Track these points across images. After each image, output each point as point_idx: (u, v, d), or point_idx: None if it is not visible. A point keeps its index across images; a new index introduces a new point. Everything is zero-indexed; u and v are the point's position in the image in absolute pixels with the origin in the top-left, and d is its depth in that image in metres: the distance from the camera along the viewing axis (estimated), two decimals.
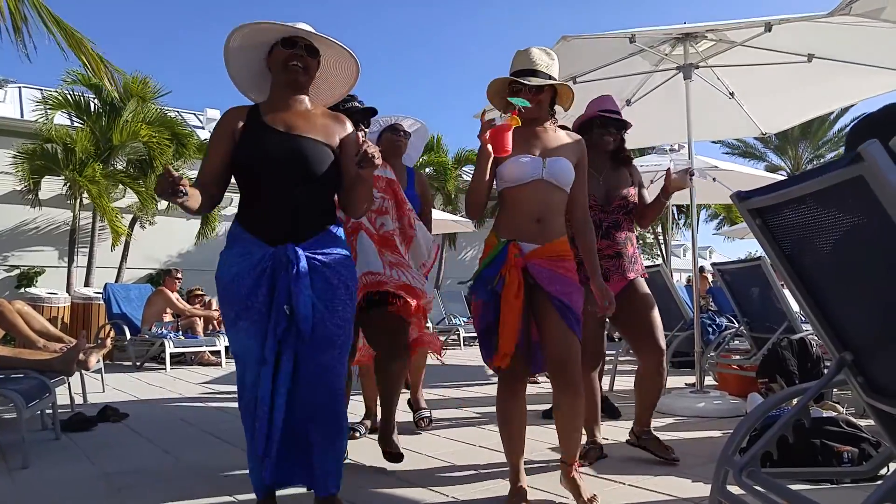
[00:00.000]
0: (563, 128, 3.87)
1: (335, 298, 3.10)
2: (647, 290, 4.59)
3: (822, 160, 30.70)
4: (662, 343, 4.46)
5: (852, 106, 18.03)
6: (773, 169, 30.93)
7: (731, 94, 7.69)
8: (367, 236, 4.38)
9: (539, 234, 3.47)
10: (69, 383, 6.02)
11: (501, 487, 3.75)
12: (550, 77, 3.58)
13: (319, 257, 3.08)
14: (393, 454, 4.27)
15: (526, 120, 3.43)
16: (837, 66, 6.84)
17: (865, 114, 2.50)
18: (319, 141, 3.17)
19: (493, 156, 3.37)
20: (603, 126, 4.63)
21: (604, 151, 4.63)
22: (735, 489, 2.12)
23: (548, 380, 3.66)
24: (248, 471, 3.31)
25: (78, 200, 14.35)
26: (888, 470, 2.77)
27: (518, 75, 3.56)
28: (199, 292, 12.54)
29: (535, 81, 3.51)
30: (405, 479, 4.04)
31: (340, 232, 3.28)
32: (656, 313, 4.54)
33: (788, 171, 30.78)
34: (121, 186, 15.09)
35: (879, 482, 1.66)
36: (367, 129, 4.57)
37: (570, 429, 3.51)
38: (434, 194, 19.31)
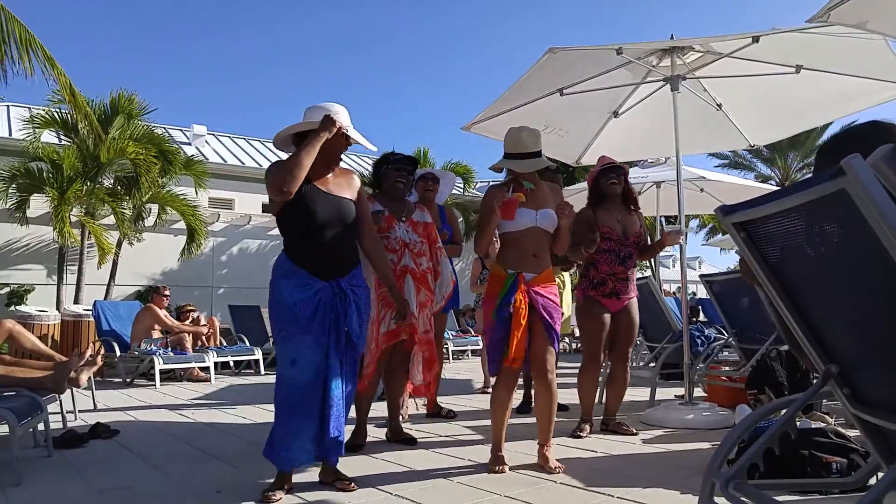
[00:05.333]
0: (550, 175, 5.62)
1: (360, 322, 4.22)
2: (636, 310, 5.95)
3: (811, 169, 30.59)
4: (628, 356, 5.98)
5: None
6: (763, 179, 30.89)
7: (719, 105, 7.72)
8: (411, 279, 5.41)
9: (536, 265, 4.66)
10: (60, 400, 6.02)
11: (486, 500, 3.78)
12: (537, 152, 4.67)
13: (354, 290, 4.18)
14: (407, 439, 5.51)
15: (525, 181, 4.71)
16: (826, 77, 6.85)
17: (836, 133, 2.57)
18: (349, 199, 4.26)
19: (499, 218, 4.53)
20: (604, 176, 5.88)
21: (615, 196, 5.89)
22: (723, 501, 2.13)
23: None
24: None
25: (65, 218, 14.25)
26: (876, 480, 2.78)
27: (511, 156, 4.68)
28: (191, 308, 12.50)
29: (524, 168, 4.65)
30: (389, 492, 4.06)
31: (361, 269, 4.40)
32: (635, 335, 6.03)
33: (778, 180, 30.77)
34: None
35: (867, 492, 1.67)
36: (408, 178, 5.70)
37: (544, 418, 4.64)
38: None
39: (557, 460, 4.55)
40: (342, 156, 4.35)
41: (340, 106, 4.23)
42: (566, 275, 7.80)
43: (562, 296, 7.21)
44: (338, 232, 4.15)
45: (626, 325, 5.85)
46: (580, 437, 5.58)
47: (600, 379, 6.30)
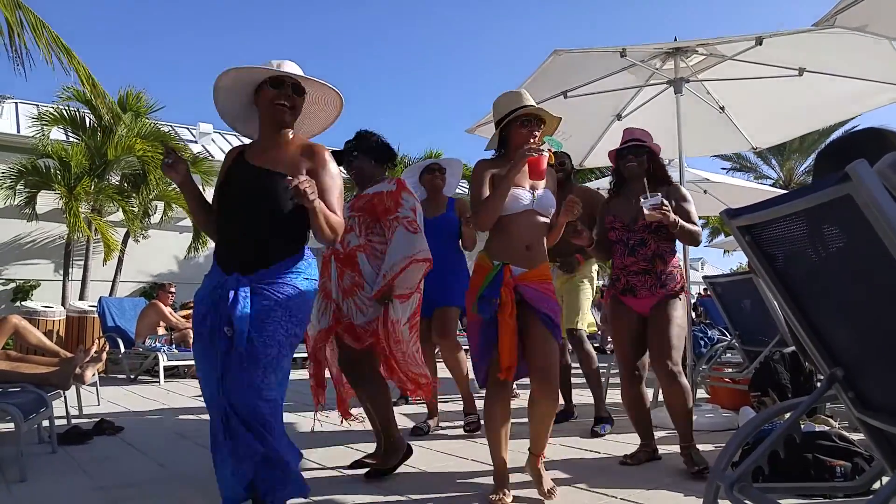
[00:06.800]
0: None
1: (268, 318, 3.16)
2: (673, 310, 4.75)
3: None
4: (672, 364, 4.61)
5: (849, 120, 18.04)
6: (771, 181, 30.85)
7: (722, 108, 7.72)
8: (335, 262, 4.65)
9: (528, 259, 3.94)
10: (65, 396, 6.04)
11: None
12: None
13: (264, 285, 3.19)
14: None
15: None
16: (829, 80, 6.84)
17: (833, 139, 2.60)
18: (280, 173, 3.23)
19: (511, 186, 3.84)
20: (621, 157, 5.06)
21: (637, 177, 4.94)
22: None
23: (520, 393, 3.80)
24: None
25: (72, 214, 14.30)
26: (881, 484, 2.78)
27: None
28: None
29: (536, 107, 4.03)
30: (389, 490, 4.08)
31: (302, 265, 3.35)
32: (673, 334, 4.68)
33: (782, 182, 30.72)
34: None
35: (871, 497, 1.67)
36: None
37: (543, 427, 3.94)
38: None
39: (558, 461, 4.51)
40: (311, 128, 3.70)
41: (288, 61, 3.39)
42: (594, 268, 6.97)
43: (592, 287, 6.60)
44: (250, 213, 3.27)
45: (656, 327, 4.75)
46: (628, 463, 4.74)
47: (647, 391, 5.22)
